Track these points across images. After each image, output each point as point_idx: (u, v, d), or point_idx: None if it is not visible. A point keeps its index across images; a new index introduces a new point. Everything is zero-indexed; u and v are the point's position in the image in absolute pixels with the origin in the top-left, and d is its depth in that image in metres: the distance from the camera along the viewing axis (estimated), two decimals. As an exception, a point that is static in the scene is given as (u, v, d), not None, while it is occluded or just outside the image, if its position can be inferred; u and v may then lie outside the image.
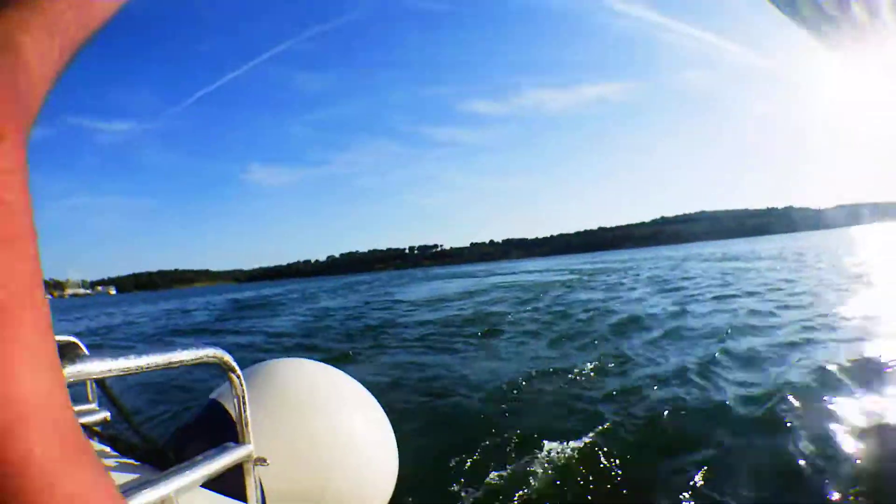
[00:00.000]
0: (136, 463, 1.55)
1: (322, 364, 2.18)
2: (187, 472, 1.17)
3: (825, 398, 4.82)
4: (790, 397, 4.86)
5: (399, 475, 2.09)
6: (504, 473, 3.84)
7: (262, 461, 1.42)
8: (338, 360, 8.33)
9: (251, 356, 9.87)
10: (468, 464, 4.03)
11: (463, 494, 3.58)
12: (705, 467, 3.67)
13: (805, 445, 3.90)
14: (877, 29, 0.62)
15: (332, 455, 1.84)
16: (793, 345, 6.89)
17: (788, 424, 4.32)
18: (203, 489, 1.35)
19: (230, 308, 24.68)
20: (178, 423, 2.16)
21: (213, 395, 1.96)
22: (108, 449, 1.63)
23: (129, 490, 1.02)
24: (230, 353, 1.30)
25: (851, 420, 4.28)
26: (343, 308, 19.34)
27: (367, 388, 2.17)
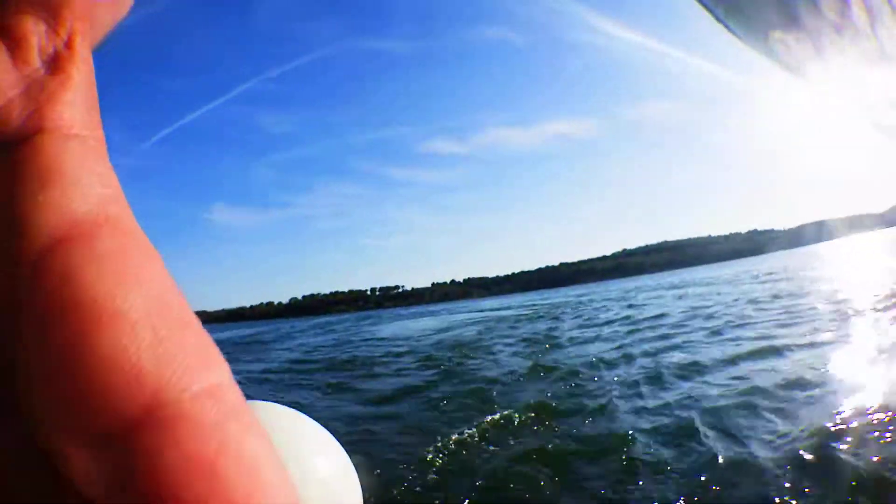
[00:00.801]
0: None
1: (283, 407, 2.81)
2: None
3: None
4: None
5: None
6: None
7: None
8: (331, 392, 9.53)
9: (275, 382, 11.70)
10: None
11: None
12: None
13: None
14: (836, 41, 0.61)
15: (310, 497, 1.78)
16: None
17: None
18: None
19: (224, 350, 24.62)
20: None
21: None
22: None
23: None
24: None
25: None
26: (329, 344, 20.71)
27: (333, 430, 2.75)
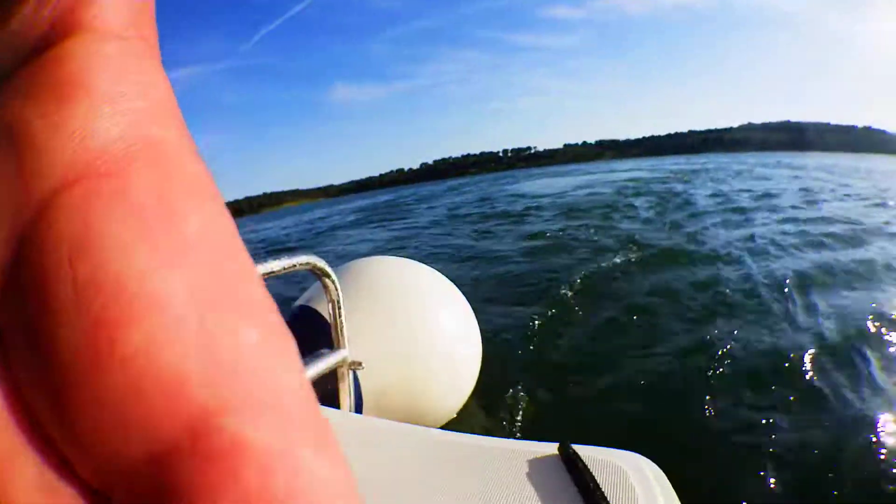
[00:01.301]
0: None
1: (409, 261, 2.24)
2: None
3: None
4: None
5: (484, 367, 2.20)
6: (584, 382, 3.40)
7: (356, 365, 1.43)
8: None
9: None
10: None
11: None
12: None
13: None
14: None
15: (422, 353, 1.91)
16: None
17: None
18: None
19: (365, 215, 23.45)
20: None
21: (301, 301, 2.03)
22: None
23: None
24: (324, 259, 1.28)
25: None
26: (473, 201, 20.35)
27: (458, 284, 2.28)
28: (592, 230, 8.52)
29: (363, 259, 2.27)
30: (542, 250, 7.40)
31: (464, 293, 2.42)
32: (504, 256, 7.22)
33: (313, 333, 1.74)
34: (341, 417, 1.20)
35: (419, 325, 1.97)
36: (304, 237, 18.30)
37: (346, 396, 1.44)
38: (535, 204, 14.45)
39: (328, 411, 1.18)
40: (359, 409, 1.61)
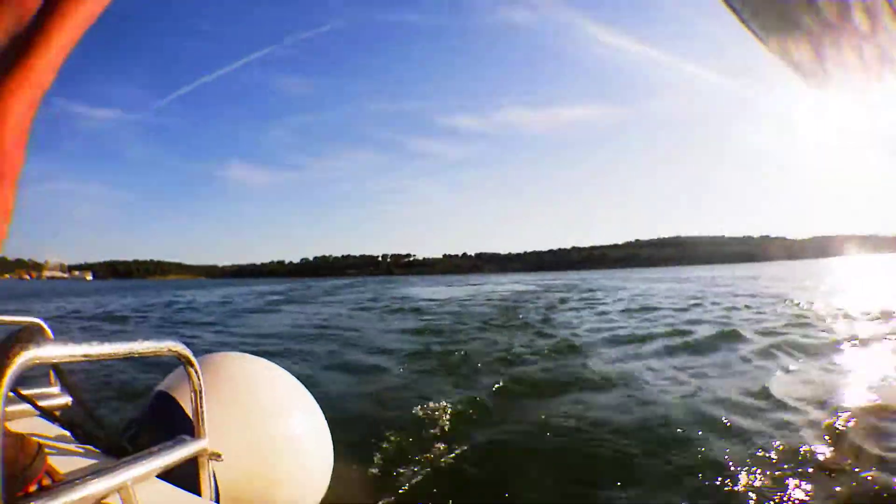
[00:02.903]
0: (95, 450, 1.56)
1: (263, 360, 2.34)
2: (144, 461, 1.21)
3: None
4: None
5: (335, 471, 2.28)
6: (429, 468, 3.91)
7: (216, 456, 1.46)
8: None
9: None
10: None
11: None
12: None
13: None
14: (861, 65, 0.62)
15: (277, 449, 1.98)
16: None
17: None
18: (159, 479, 1.37)
19: (269, 301, 26.21)
20: (132, 414, 2.11)
21: (161, 386, 2.05)
22: (67, 434, 1.62)
23: (86, 477, 1.05)
24: (188, 346, 1.33)
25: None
26: (376, 301, 22.95)
27: (307, 384, 2.36)
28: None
29: (218, 353, 2.32)
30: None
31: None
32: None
33: (175, 420, 1.82)
34: None
35: (273, 423, 2.02)
36: (222, 314, 19.55)
37: (206, 485, 1.46)
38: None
39: (190, 497, 1.33)
40: (218, 497, 1.66)
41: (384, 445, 4.25)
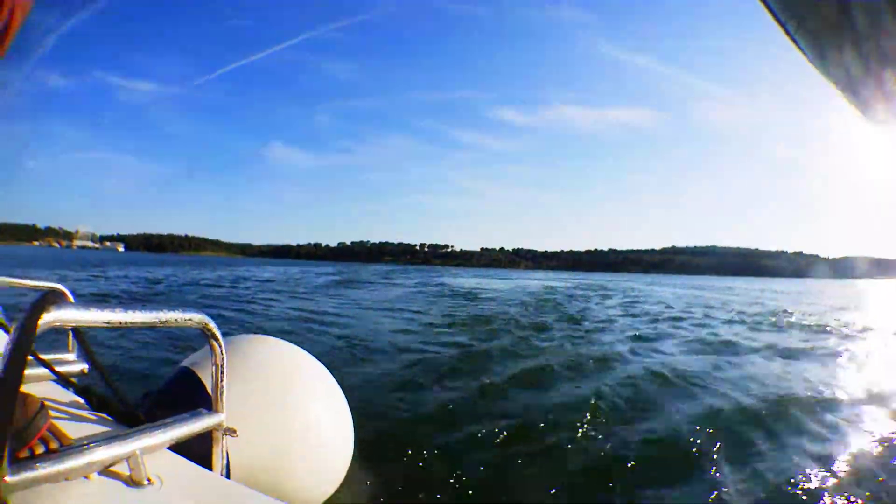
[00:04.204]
0: (108, 418, 1.56)
1: (291, 345, 2.33)
2: (156, 432, 1.23)
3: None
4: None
5: (357, 457, 2.29)
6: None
7: (231, 431, 1.47)
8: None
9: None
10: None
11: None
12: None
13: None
14: None
15: (295, 434, 1.96)
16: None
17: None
18: (169, 451, 1.35)
19: (333, 282, 27.58)
20: (152, 387, 2.10)
21: (185, 362, 2.07)
22: (81, 401, 1.63)
23: (96, 443, 1.07)
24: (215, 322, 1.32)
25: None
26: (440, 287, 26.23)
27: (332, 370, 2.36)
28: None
29: (248, 335, 2.30)
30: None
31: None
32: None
33: (194, 394, 1.82)
34: (212, 479, 1.30)
35: (294, 409, 2.01)
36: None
37: (219, 459, 1.46)
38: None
39: (200, 471, 1.30)
40: (228, 474, 1.64)
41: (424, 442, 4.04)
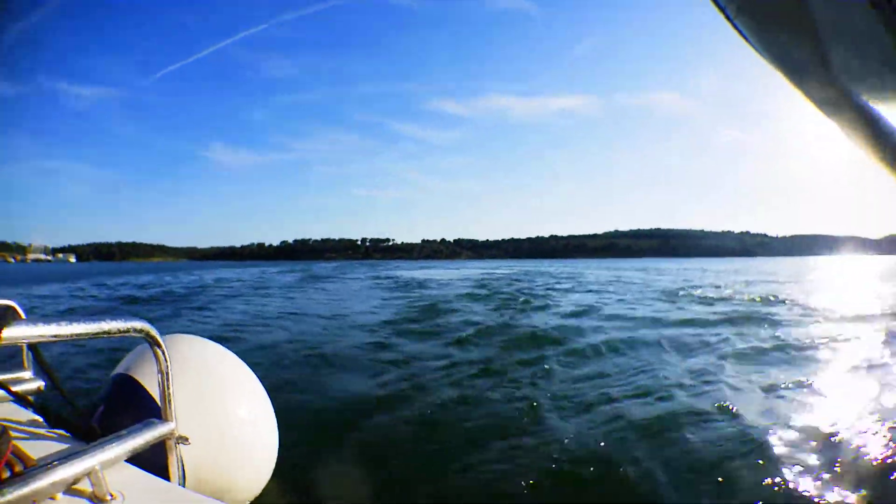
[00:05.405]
0: (66, 434, 1.52)
1: (212, 342, 2.28)
2: (112, 445, 1.21)
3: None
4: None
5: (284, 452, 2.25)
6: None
7: (184, 440, 1.46)
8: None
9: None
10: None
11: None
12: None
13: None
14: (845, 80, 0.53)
15: (236, 434, 1.95)
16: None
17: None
18: (127, 464, 1.32)
19: (299, 280, 28.29)
20: (96, 397, 1.96)
21: (120, 369, 1.99)
22: (39, 419, 1.58)
23: (57, 461, 1.06)
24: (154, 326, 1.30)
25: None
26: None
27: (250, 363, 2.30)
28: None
29: (169, 335, 2.11)
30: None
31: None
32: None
33: (138, 402, 1.77)
34: (171, 490, 1.29)
35: (230, 407, 1.99)
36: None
37: (175, 469, 1.44)
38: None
39: (158, 482, 1.28)
40: (184, 482, 1.62)
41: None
